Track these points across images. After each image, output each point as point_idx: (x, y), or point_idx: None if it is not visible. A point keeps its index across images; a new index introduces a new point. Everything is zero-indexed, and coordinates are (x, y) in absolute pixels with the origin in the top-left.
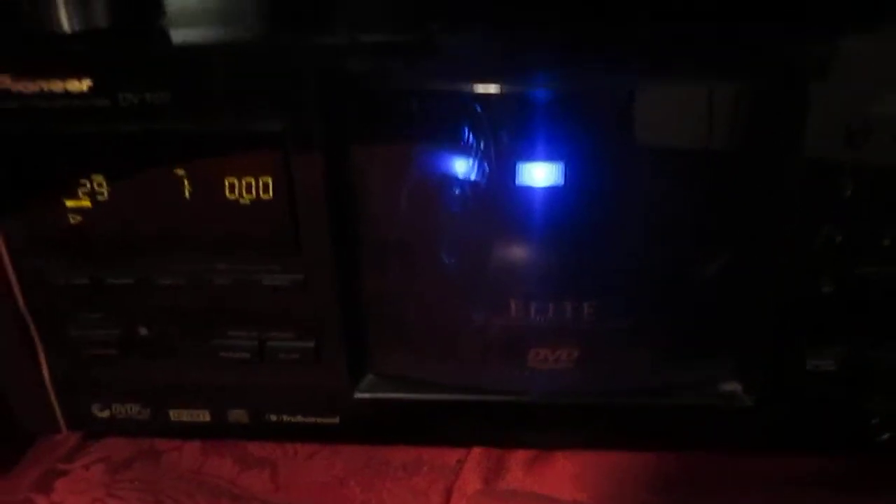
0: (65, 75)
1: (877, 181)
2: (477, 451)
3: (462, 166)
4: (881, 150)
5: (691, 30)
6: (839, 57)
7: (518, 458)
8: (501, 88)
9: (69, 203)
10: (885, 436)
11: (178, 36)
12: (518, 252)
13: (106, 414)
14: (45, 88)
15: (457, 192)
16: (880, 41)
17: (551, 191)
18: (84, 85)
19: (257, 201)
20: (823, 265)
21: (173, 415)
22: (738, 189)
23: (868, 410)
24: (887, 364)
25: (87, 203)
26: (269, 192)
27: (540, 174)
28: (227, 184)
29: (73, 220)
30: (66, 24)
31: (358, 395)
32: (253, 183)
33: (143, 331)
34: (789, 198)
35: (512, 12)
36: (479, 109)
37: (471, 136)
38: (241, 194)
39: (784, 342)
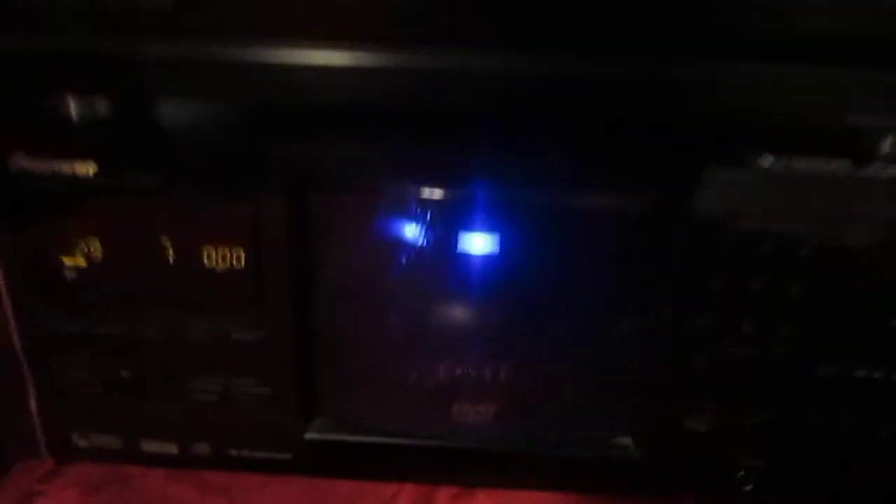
0: (73, 158)
1: (736, 282)
2: (409, 487)
3: (409, 239)
4: (741, 258)
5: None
6: (701, 183)
7: (445, 493)
8: (443, 193)
9: (66, 260)
10: (749, 487)
11: (172, 131)
12: (446, 315)
13: (84, 442)
14: (56, 169)
15: (403, 260)
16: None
17: (482, 259)
18: (90, 168)
19: (230, 269)
20: (697, 345)
21: (144, 445)
22: (628, 284)
23: (734, 465)
24: (749, 427)
25: (82, 261)
26: (240, 262)
27: (477, 244)
28: (205, 253)
29: (69, 275)
30: (75, 115)
31: (308, 436)
32: (227, 253)
33: (124, 373)
34: (670, 291)
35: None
36: (424, 200)
37: (417, 216)
38: (216, 262)
39: (666, 405)
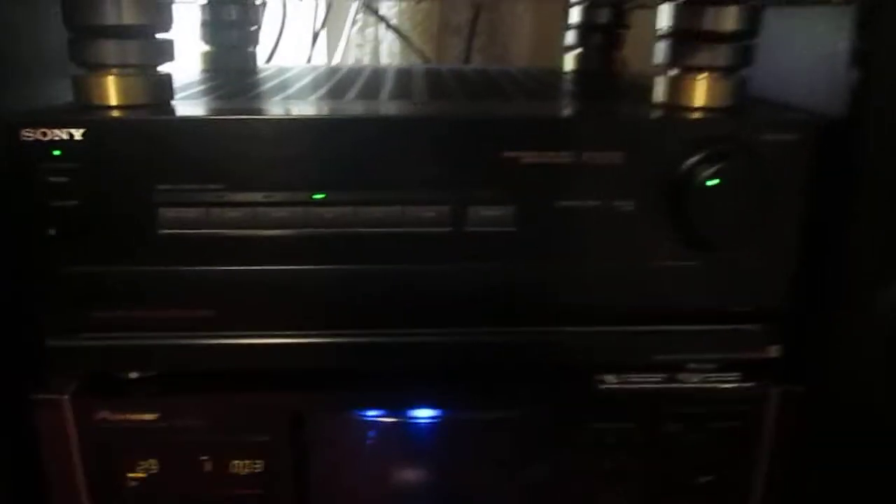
0: (141, 412)
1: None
2: None
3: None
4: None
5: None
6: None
7: None
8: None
9: (130, 475)
10: None
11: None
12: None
13: None
14: (128, 418)
15: (371, 435)
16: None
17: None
18: (153, 416)
19: (250, 475)
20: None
21: None
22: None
23: None
24: None
25: (143, 475)
26: (258, 470)
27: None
28: (232, 464)
29: (132, 484)
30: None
31: None
32: (250, 464)
33: None
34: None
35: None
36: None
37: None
38: (240, 470)
39: None
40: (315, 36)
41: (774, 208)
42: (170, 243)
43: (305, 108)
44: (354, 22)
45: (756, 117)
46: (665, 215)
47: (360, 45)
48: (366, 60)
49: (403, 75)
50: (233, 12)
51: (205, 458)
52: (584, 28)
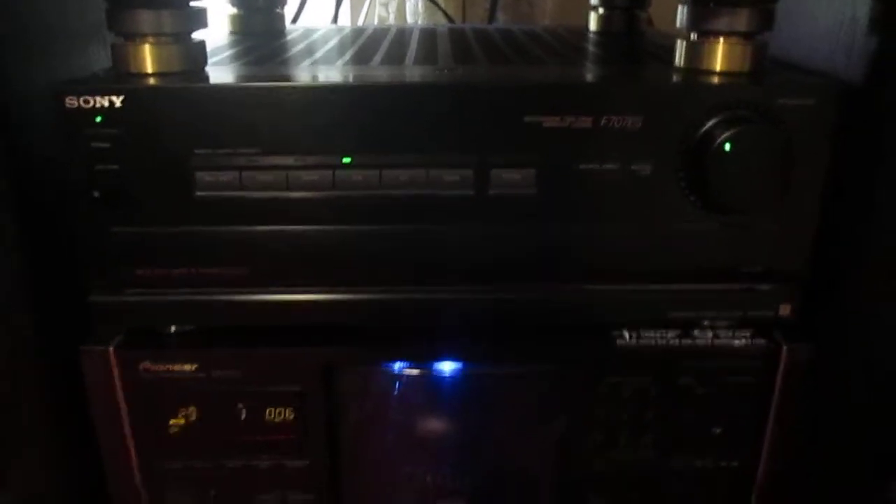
0: (181, 363)
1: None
2: None
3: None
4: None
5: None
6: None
7: None
8: (421, 369)
9: (171, 421)
10: None
11: (245, 342)
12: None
13: None
14: (169, 368)
15: (397, 386)
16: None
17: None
18: (193, 367)
19: (283, 422)
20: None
21: None
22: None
23: None
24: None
25: (182, 421)
26: (290, 418)
27: (447, 368)
28: (266, 412)
29: (173, 430)
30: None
31: None
32: (283, 412)
33: (212, 492)
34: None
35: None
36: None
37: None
38: (274, 418)
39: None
40: None
41: (790, 172)
42: (206, 205)
43: (333, 75)
44: None
45: (773, 82)
46: (682, 179)
47: (384, 4)
48: (391, 19)
49: (428, 37)
50: None
51: (241, 406)
52: None
